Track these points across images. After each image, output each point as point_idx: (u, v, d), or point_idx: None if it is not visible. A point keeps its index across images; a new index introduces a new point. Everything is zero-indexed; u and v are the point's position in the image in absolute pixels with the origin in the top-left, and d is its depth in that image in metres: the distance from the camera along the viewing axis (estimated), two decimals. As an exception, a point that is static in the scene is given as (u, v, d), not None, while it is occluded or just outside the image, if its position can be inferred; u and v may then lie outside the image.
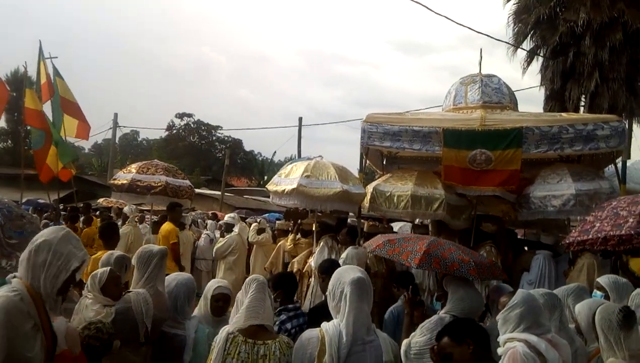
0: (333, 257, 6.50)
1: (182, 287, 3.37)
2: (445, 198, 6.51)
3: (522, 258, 6.86)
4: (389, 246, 3.92)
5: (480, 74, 7.71)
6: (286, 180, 6.74)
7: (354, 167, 7.64)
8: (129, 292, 3.33)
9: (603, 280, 3.82)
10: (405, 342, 3.37)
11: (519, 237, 8.39)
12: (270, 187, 6.93)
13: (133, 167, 9.01)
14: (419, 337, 3.33)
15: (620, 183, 6.39)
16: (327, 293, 2.67)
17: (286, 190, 6.57)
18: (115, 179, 9.01)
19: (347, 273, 2.64)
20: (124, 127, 31.00)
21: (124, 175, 8.90)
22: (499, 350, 2.86)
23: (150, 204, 9.82)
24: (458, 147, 6.54)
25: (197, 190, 21.15)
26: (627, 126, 15.67)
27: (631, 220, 2.73)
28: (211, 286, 3.41)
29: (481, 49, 8.37)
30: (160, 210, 12.59)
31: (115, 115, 26.81)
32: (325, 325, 2.56)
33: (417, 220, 8.36)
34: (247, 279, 2.77)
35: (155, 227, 9.56)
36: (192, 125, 50.47)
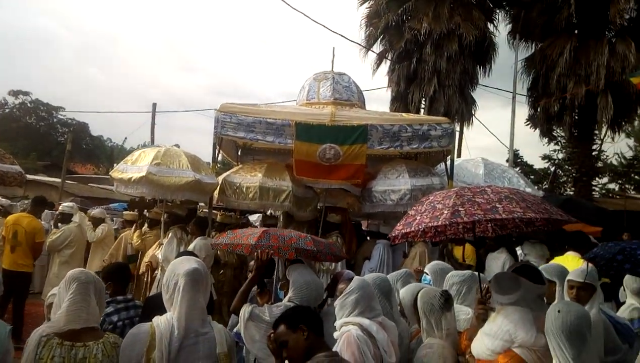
0: (182, 248, 6.33)
1: None
2: (292, 190, 6.68)
3: (364, 247, 7.33)
4: (231, 234, 4.01)
5: (332, 72, 8.02)
6: (133, 167, 6.35)
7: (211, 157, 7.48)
8: None
9: (429, 266, 4.27)
10: (247, 307, 3.42)
11: (363, 227, 8.96)
12: (115, 174, 6.46)
13: (-54, 149, 7.79)
14: (266, 317, 3.38)
15: (448, 179, 7.13)
16: (162, 285, 2.56)
17: (133, 178, 6.19)
18: None
19: (182, 265, 2.55)
20: (-60, 102, 26.52)
21: None
22: (335, 334, 3.02)
23: (-31, 192, 8.58)
24: (309, 141, 6.75)
25: (32, 177, 19.05)
26: (458, 128, 17.66)
27: (446, 212, 3.03)
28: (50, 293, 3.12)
29: (334, 48, 8.76)
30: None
31: None
32: (157, 319, 2.45)
33: (269, 211, 8.49)
34: (67, 276, 2.50)
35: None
36: (28, 105, 45.07)
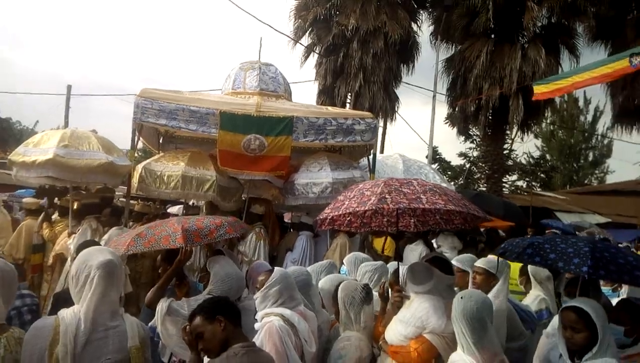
0: (97, 239, 6.04)
1: None
2: (216, 180, 6.56)
3: (287, 239, 7.37)
4: (141, 240, 3.59)
5: (259, 62, 7.93)
6: (37, 150, 5.91)
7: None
8: None
9: (347, 258, 4.40)
10: (164, 302, 3.34)
11: (286, 219, 9.00)
12: (15, 157, 5.95)
13: None
14: (185, 311, 3.31)
15: (370, 173, 7.31)
16: (69, 277, 2.43)
17: (38, 161, 5.76)
18: None
19: (95, 256, 2.42)
20: None
21: None
22: (256, 325, 3.02)
23: None
24: (234, 131, 6.66)
25: None
26: (382, 124, 18.14)
27: (373, 198, 3.17)
28: None
29: (261, 38, 8.61)
30: None
31: None
32: (62, 312, 2.32)
33: (192, 201, 8.29)
34: None
35: None
36: None
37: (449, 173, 26.01)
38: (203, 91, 10.45)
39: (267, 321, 2.97)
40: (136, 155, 7.19)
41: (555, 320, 3.16)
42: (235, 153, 6.69)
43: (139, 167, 6.69)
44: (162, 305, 3.34)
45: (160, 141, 8.55)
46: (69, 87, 23.38)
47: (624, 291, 5.90)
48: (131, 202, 7.27)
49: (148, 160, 7.06)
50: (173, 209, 10.54)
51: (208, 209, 7.29)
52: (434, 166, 17.49)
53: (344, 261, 4.37)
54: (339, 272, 4.33)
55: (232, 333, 2.44)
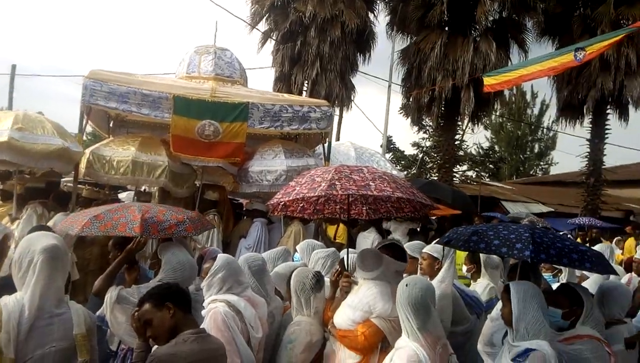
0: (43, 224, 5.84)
1: None
2: (168, 166, 6.44)
3: (240, 226, 7.34)
4: (98, 223, 3.51)
5: (214, 46, 7.80)
6: None
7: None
8: None
9: (300, 245, 4.47)
10: (114, 290, 3.31)
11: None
12: None
13: None
14: (135, 299, 3.27)
15: (325, 161, 7.37)
16: (12, 263, 2.35)
17: None
18: None
19: (38, 241, 2.35)
20: None
21: None
22: (203, 312, 3.03)
23: None
24: (187, 116, 6.54)
25: None
26: (338, 112, 18.21)
27: (323, 184, 3.23)
28: None
29: (217, 22, 8.48)
30: None
31: None
32: (4, 299, 2.26)
33: (144, 187, 8.12)
34: None
35: None
36: None
37: (403, 162, 26.50)
38: (156, 75, 10.18)
39: (212, 307, 2.99)
40: (85, 139, 6.97)
41: (500, 304, 3.32)
42: (189, 139, 6.57)
43: (87, 151, 6.49)
44: (111, 293, 3.29)
45: (111, 125, 8.29)
46: (14, 67, 22.20)
47: (564, 276, 6.20)
48: (79, 187, 7.05)
49: (97, 145, 6.85)
50: (123, 195, 10.28)
51: (160, 195, 7.16)
52: (387, 155, 17.76)
53: (297, 248, 4.42)
54: (293, 259, 4.39)
55: (181, 320, 2.42)
